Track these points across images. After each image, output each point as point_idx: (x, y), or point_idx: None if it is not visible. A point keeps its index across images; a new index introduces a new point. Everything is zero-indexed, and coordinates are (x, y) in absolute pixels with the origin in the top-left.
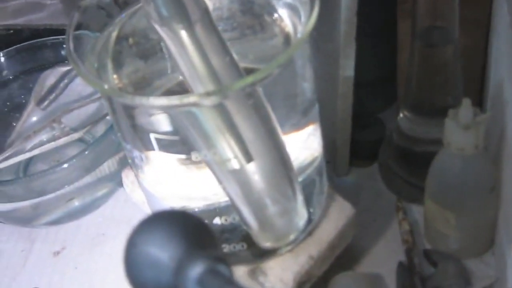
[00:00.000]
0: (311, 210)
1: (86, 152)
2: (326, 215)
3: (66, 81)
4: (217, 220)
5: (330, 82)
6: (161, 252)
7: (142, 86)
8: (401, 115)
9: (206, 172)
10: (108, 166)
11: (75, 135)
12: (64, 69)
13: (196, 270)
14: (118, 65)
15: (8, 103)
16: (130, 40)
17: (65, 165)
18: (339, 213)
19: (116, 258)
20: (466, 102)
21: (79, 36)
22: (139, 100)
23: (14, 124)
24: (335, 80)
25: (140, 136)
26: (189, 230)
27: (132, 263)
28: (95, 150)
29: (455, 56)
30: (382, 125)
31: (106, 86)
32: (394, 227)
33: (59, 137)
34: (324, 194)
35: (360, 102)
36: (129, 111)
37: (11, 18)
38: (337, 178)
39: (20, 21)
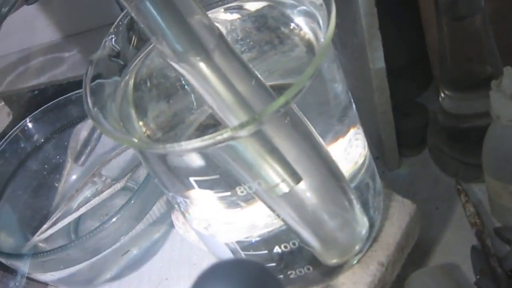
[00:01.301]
0: (371, 215)
1: (133, 201)
2: (388, 216)
3: (98, 131)
4: (277, 249)
5: (362, 77)
6: None
7: (171, 128)
8: (442, 95)
9: (255, 203)
10: (157, 209)
11: (118, 185)
12: None
13: None
14: (141, 112)
15: (46, 166)
16: (149, 83)
17: (114, 219)
18: (401, 212)
19: None
20: (508, 71)
21: (98, 86)
22: (172, 148)
23: (57, 186)
24: (366, 74)
25: (179, 180)
26: (251, 281)
27: None
28: (141, 196)
29: (485, 24)
30: (424, 109)
31: (134, 139)
32: (459, 212)
33: (102, 191)
34: (381, 195)
35: (397, 91)
36: (163, 158)
37: (35, 78)
38: (390, 172)
39: (43, 79)
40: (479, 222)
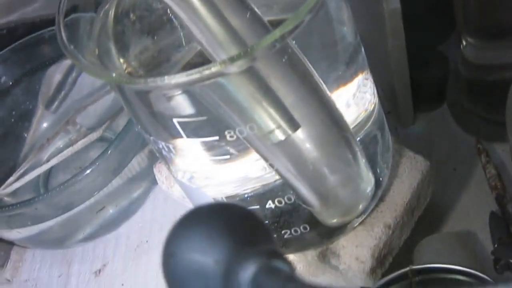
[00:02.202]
0: (378, 171)
1: (109, 152)
2: (397, 174)
3: (74, 74)
4: (270, 204)
5: (375, 19)
6: (205, 257)
7: (156, 66)
8: (464, 43)
9: (246, 152)
10: (137, 163)
11: (94, 135)
12: (70, 61)
13: (249, 271)
14: (123, 48)
15: (13, 112)
16: (132, 16)
17: (89, 171)
18: (412, 170)
19: None
20: None
21: (74, 21)
22: (154, 83)
23: (25, 135)
24: (380, 16)
25: (162, 124)
26: (234, 224)
27: (173, 276)
28: (119, 147)
29: None
30: (444, 59)
31: (113, 74)
32: (479, 174)
33: (76, 141)
34: (390, 151)
35: (414, 36)
36: (144, 98)
37: (3, 16)
38: (403, 129)
39: (13, 17)
40: (500, 186)
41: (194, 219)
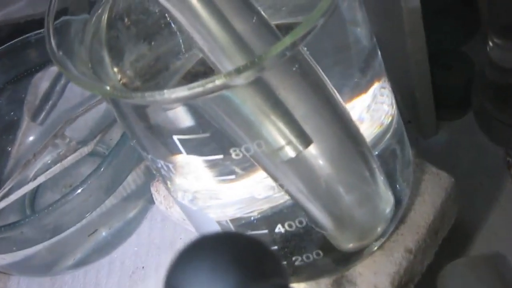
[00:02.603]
0: (398, 190)
1: (103, 168)
2: (418, 192)
3: (62, 82)
4: (279, 228)
5: (393, 19)
6: None
7: (153, 75)
8: (490, 44)
9: (253, 171)
10: (133, 180)
11: (85, 149)
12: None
13: None
14: (117, 55)
15: None
16: (126, 20)
17: (80, 190)
18: (435, 187)
19: None
20: None
21: (64, 24)
22: (152, 97)
23: (9, 149)
24: (398, 15)
25: (161, 141)
26: (241, 256)
27: None
28: (113, 163)
29: None
30: (469, 61)
31: (107, 87)
32: (508, 189)
33: (65, 156)
34: (411, 166)
35: (435, 37)
36: (141, 112)
37: None
38: (425, 140)
39: None
40: None
41: (198, 250)
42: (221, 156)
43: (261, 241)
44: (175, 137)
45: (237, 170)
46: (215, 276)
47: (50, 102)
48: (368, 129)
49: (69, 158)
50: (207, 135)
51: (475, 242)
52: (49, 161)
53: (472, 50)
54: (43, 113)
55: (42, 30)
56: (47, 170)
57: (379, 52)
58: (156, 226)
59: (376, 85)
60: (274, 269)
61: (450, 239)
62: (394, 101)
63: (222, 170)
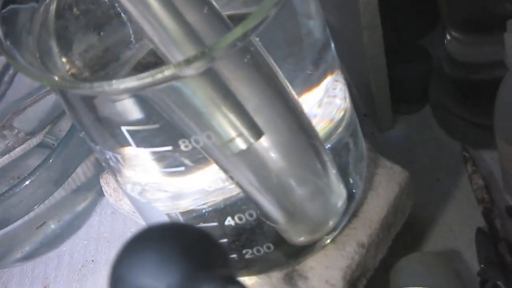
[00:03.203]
0: (351, 183)
1: (51, 160)
2: (372, 187)
3: (10, 72)
4: (229, 221)
5: (349, 12)
6: (156, 282)
7: (102, 66)
8: (448, 37)
9: (203, 163)
10: (82, 172)
11: (34, 140)
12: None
13: None
14: (66, 45)
15: None
16: (75, 10)
17: (28, 182)
18: (389, 181)
19: None
20: None
21: (11, 13)
22: (100, 87)
23: None
24: (354, 7)
25: (110, 132)
26: (188, 247)
27: None
28: (62, 155)
29: None
30: (426, 55)
31: (55, 77)
32: (464, 185)
33: (13, 147)
34: (364, 160)
35: (392, 29)
36: (89, 103)
37: None
38: (381, 134)
39: None
40: (487, 199)
41: (145, 240)
42: (170, 148)
43: (207, 233)
44: (124, 128)
45: (186, 162)
46: (161, 267)
47: None
48: (323, 119)
49: (17, 149)
50: (156, 126)
51: (431, 238)
52: None
53: (429, 43)
54: None
55: None
56: None
57: (333, 45)
58: (106, 219)
59: (329, 78)
60: (220, 260)
61: (405, 234)
62: (347, 94)
63: (171, 162)
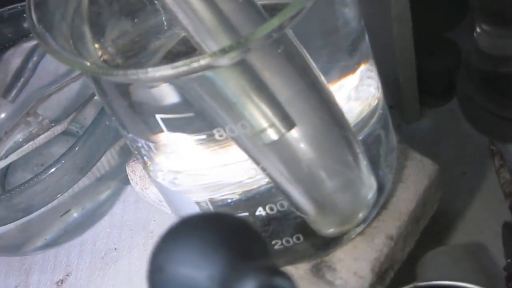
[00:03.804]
0: (381, 175)
1: (77, 148)
2: (401, 179)
3: (35, 58)
4: (260, 211)
5: (380, 4)
6: (197, 271)
7: (135, 53)
8: (478, 29)
9: (236, 152)
10: (107, 161)
11: (58, 128)
12: (30, 44)
13: None
14: (98, 31)
15: None
16: None
17: (53, 169)
18: (418, 174)
19: (136, 276)
20: None
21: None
22: (135, 75)
23: None
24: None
25: (143, 120)
26: (229, 236)
27: None
28: (87, 143)
29: None
30: (455, 48)
31: (87, 63)
32: (491, 179)
33: (38, 134)
34: (395, 152)
35: (422, 22)
36: (123, 90)
37: None
38: (407, 126)
39: None
40: None
41: (185, 230)
42: (204, 136)
43: (248, 222)
44: (158, 116)
45: (220, 150)
46: (202, 256)
47: (22, 79)
48: (356, 110)
49: (41, 136)
50: (190, 114)
51: (457, 231)
52: (21, 139)
53: (459, 36)
54: (15, 91)
55: (16, 5)
56: (18, 148)
57: (367, 36)
58: (129, 207)
59: (363, 68)
60: (262, 250)
61: (432, 228)
62: (380, 84)
63: (205, 151)
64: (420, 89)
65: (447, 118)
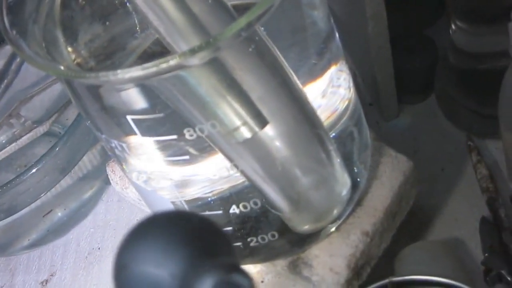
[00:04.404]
0: (355, 172)
1: (57, 149)
2: (376, 176)
3: (17, 61)
4: (234, 209)
5: (355, 3)
6: (159, 269)
7: (108, 56)
8: (453, 27)
9: (208, 152)
10: (89, 160)
11: (41, 129)
12: None
13: (206, 285)
14: (71, 35)
15: None
16: (81, 0)
17: (34, 170)
18: (393, 170)
19: None
20: None
21: (18, 2)
22: (106, 77)
23: None
24: None
25: (115, 121)
26: (192, 235)
27: None
28: (69, 143)
29: None
30: (432, 45)
31: (60, 67)
32: (469, 174)
33: (20, 135)
34: (369, 149)
35: (398, 19)
36: (95, 92)
37: None
38: (386, 123)
39: None
40: (492, 188)
41: (149, 228)
42: (175, 137)
43: (211, 221)
44: (129, 117)
45: (191, 150)
46: (164, 255)
47: (5, 81)
48: (324, 113)
49: (24, 137)
50: (161, 115)
51: (435, 227)
52: (3, 141)
53: (435, 33)
54: None
55: None
56: (1, 149)
57: (337, 35)
58: (112, 207)
59: (333, 68)
60: (224, 248)
61: (409, 223)
62: (351, 84)
63: (176, 151)
64: (398, 86)
65: (425, 115)
